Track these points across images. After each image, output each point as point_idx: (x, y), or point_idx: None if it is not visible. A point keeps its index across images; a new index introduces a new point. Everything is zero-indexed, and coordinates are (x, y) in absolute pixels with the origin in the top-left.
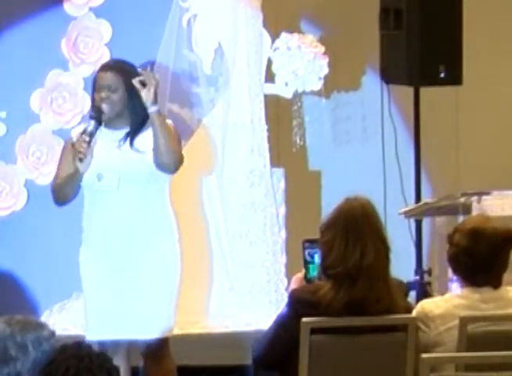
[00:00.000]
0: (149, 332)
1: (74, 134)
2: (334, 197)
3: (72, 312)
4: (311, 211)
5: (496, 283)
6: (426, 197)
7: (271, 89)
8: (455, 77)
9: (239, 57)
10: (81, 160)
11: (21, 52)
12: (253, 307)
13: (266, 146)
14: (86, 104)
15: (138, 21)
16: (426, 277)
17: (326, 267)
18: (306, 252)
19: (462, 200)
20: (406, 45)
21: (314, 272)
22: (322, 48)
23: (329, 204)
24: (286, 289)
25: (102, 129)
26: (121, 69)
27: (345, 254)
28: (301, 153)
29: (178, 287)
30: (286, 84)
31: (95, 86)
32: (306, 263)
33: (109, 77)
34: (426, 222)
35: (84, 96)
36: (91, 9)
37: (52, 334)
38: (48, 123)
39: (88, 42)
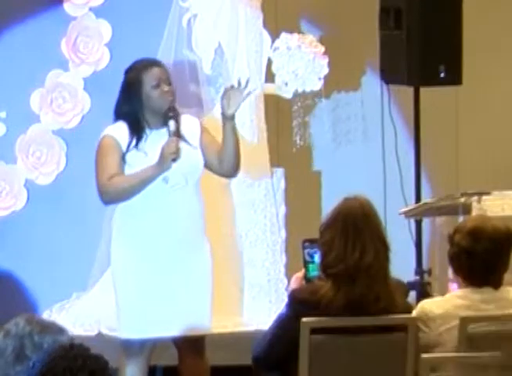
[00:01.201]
0: (189, 329)
1: (111, 132)
2: (334, 197)
3: (72, 312)
4: (311, 211)
5: (497, 284)
6: (426, 197)
7: (271, 89)
8: (455, 77)
9: (239, 57)
10: (174, 160)
11: (21, 52)
12: (253, 307)
13: (266, 145)
14: (86, 104)
15: (138, 21)
16: (426, 277)
17: (325, 266)
18: (306, 252)
19: (462, 200)
20: (406, 45)
21: (314, 272)
22: (322, 48)
23: (329, 204)
24: (286, 289)
25: (147, 132)
26: (161, 62)
27: (345, 253)
28: (301, 153)
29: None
30: (286, 84)
31: (150, 83)
32: (306, 263)
33: (164, 71)
34: (426, 222)
35: (84, 96)
36: (91, 9)
37: (71, 340)
38: (48, 123)
39: (88, 42)
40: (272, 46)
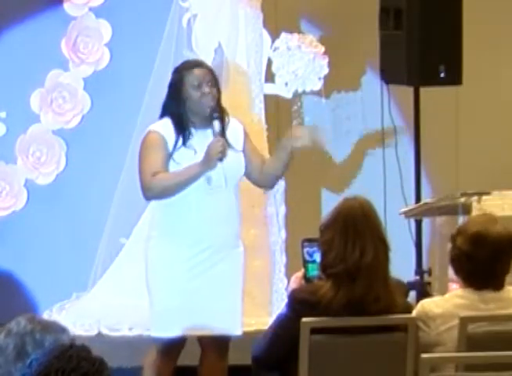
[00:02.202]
0: (220, 329)
1: (158, 128)
2: (334, 197)
3: (72, 312)
4: (311, 211)
5: (498, 286)
6: (426, 197)
7: (271, 89)
8: (455, 77)
9: (239, 57)
10: (221, 159)
11: (21, 52)
12: (253, 307)
13: (266, 146)
14: (86, 104)
15: (138, 21)
16: (426, 277)
17: (325, 266)
18: (305, 251)
19: (462, 200)
20: (406, 45)
21: (313, 272)
22: (322, 48)
23: (329, 204)
24: (286, 289)
25: (193, 131)
26: (207, 65)
27: (345, 253)
28: (301, 153)
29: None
30: (286, 84)
31: (191, 84)
32: (305, 262)
33: (207, 73)
34: (426, 222)
35: (84, 96)
36: (91, 9)
37: (71, 340)
38: (48, 123)
39: (88, 42)
40: (272, 46)
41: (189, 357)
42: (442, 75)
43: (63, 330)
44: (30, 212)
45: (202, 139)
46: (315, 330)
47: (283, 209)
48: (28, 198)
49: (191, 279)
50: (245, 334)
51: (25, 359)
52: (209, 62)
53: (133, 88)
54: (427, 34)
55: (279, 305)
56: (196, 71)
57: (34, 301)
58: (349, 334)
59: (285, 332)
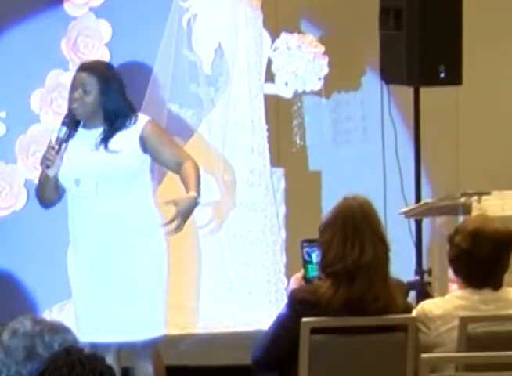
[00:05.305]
0: (135, 334)
1: (54, 138)
2: (334, 196)
3: (72, 312)
4: (311, 211)
5: (497, 285)
6: (426, 197)
7: (271, 89)
8: (455, 77)
9: (239, 57)
10: (48, 166)
11: (21, 52)
12: (253, 307)
13: (266, 146)
14: None
15: (138, 21)
16: (426, 277)
17: (325, 265)
18: (304, 252)
19: (462, 200)
20: (406, 45)
21: (313, 272)
22: (322, 48)
23: (329, 204)
24: (286, 289)
25: (79, 129)
26: (93, 68)
27: (344, 252)
28: (301, 153)
29: (165, 287)
30: (286, 84)
31: (71, 87)
32: (305, 263)
33: (83, 78)
34: (426, 222)
35: None
36: (91, 9)
37: (75, 340)
38: (48, 123)
39: (88, 42)
40: (272, 46)
41: (188, 357)
42: (442, 75)
43: (68, 330)
44: (30, 212)
45: (83, 137)
46: (315, 330)
47: (283, 209)
48: (28, 198)
49: (92, 284)
50: (245, 334)
51: (35, 360)
52: (209, 62)
53: (133, 88)
54: (427, 34)
55: (279, 305)
56: (77, 75)
57: (34, 301)
58: (349, 334)
59: (285, 332)
